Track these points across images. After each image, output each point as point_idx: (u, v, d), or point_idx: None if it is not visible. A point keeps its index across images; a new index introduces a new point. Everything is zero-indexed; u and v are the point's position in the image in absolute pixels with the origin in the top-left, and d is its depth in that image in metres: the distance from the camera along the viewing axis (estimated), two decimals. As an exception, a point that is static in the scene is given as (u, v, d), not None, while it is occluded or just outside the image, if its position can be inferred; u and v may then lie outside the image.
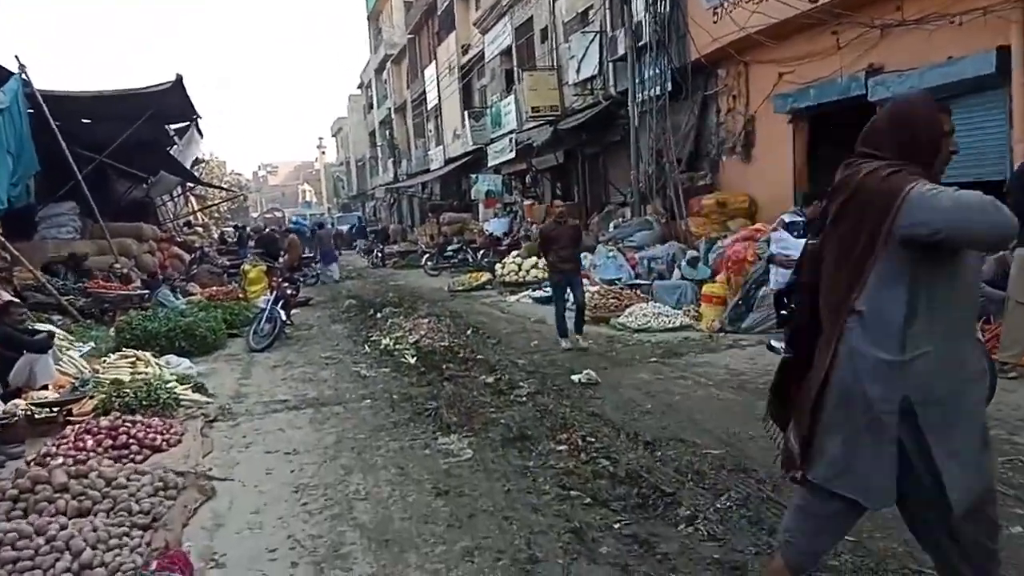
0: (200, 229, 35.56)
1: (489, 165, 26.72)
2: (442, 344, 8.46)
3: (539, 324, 10.09)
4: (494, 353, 8.03)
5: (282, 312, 9.41)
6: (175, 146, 22.48)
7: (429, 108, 34.99)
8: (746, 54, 13.32)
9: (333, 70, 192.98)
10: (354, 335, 10.10)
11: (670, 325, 8.62)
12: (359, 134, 56.34)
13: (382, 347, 8.75)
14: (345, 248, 37.31)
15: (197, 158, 35.01)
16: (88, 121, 17.67)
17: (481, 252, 20.50)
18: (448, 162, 31.94)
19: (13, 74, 13.75)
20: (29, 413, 5.68)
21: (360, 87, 54.86)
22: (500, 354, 7.97)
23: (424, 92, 35.07)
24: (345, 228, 42.11)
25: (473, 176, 27.83)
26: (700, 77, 14.64)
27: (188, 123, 21.21)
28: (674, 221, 14.03)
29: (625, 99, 16.97)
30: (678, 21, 14.47)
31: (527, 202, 24.53)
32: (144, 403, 5.87)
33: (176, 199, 31.61)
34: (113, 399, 5.90)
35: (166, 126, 19.39)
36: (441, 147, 33.36)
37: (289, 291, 9.83)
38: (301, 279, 10.80)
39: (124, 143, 16.94)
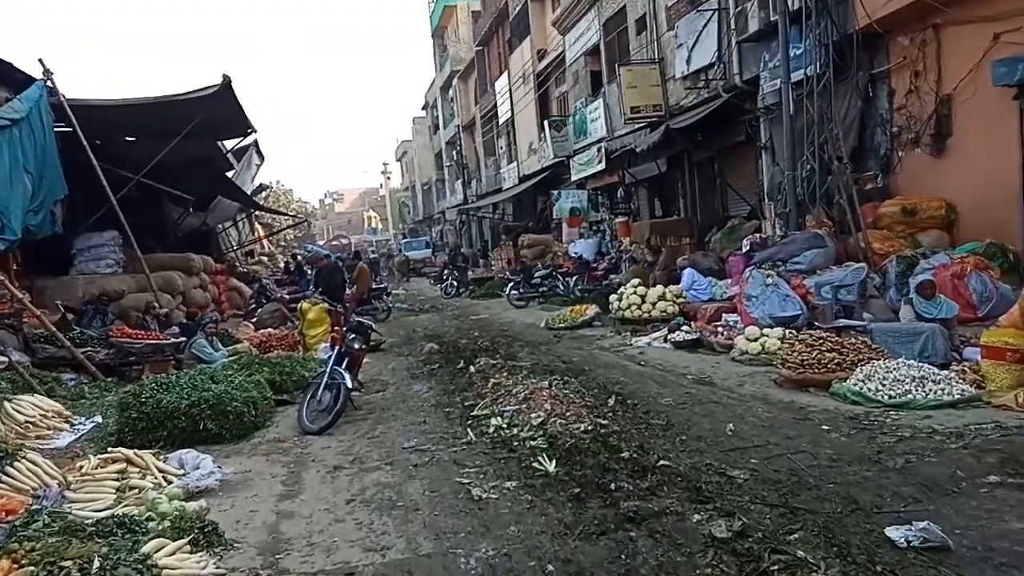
0: (265, 259, 33.86)
1: (573, 179, 23.92)
2: (583, 428, 5.55)
3: (705, 388, 7.07)
4: (677, 450, 5.06)
5: (347, 376, 6.67)
6: (233, 170, 20.52)
7: (501, 123, 32.57)
8: (936, 14, 10.14)
9: (397, 94, 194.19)
10: (445, 403, 7.29)
11: (945, 397, 5.47)
12: (424, 157, 54.65)
13: (492, 430, 5.90)
14: (414, 276, 35.21)
15: (261, 184, 33.61)
16: (132, 139, 15.70)
17: (574, 279, 17.56)
18: (523, 179, 29.36)
19: (35, 80, 11.72)
20: None
21: (425, 108, 53.23)
22: (687, 452, 5.00)
23: (495, 106, 32.67)
24: (418, 255, 40.02)
25: (554, 193, 25.04)
26: (862, 53, 11.47)
27: (244, 141, 19.15)
28: (844, 236, 10.84)
29: (753, 90, 13.94)
30: (835, -19, 11.36)
31: (619, 219, 21.58)
32: (95, 593, 3.13)
33: (241, 225, 29.90)
34: (41, 581, 3.18)
35: (219, 143, 17.24)
36: (514, 164, 30.83)
37: (356, 345, 7.09)
38: (371, 323, 8.08)
39: (174, 163, 14.85)
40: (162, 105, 13.04)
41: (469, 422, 6.28)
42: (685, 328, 9.68)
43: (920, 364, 5.90)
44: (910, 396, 5.54)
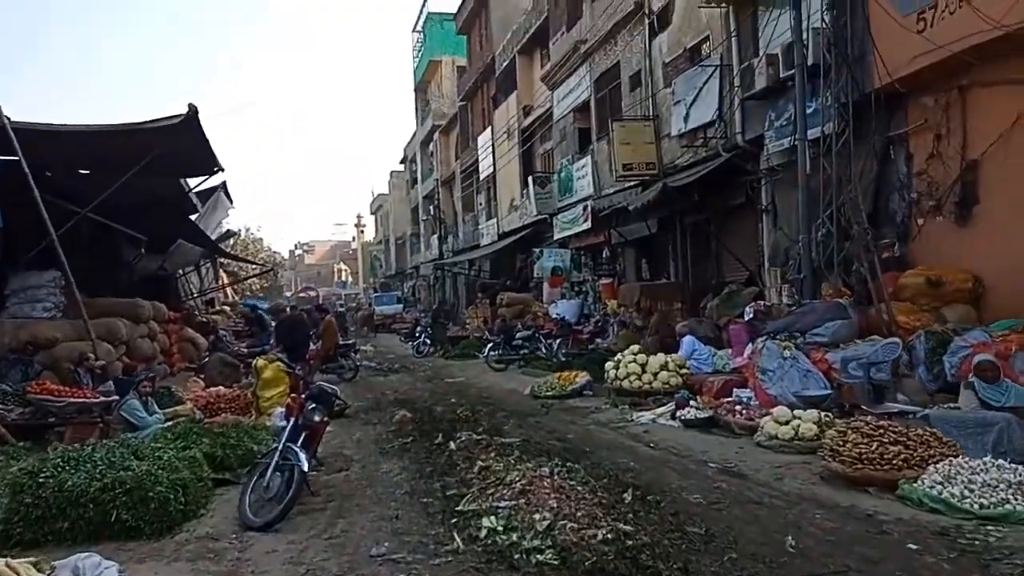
0: (227, 308, 32.17)
1: (555, 237, 23.09)
2: (602, 537, 4.35)
3: (737, 480, 5.92)
4: None
5: (303, 455, 5.40)
6: (197, 213, 19.27)
7: (481, 179, 31.91)
8: (964, 74, 9.50)
9: (375, 148, 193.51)
10: (422, 490, 6.02)
11: (1052, 510, 4.41)
12: (400, 211, 53.89)
13: (484, 534, 4.66)
14: (383, 331, 33.86)
15: (228, 230, 32.20)
16: (87, 172, 14.44)
17: (558, 342, 16.45)
18: (503, 236, 28.46)
19: (-26, 101, 10.56)
20: None
21: (403, 162, 52.67)
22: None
23: (476, 162, 32.05)
24: (389, 310, 38.87)
25: (536, 251, 24.15)
26: (880, 113, 10.82)
27: (211, 182, 17.96)
28: (862, 307, 9.94)
29: (755, 150, 13.26)
30: (851, 38, 10.79)
31: (603, 281, 20.67)
32: None
33: (204, 271, 28.39)
34: None
35: (183, 180, 16.03)
36: (494, 220, 30.00)
37: (317, 417, 5.84)
38: (335, 389, 6.78)
39: (132, 200, 13.60)
40: (119, 134, 11.83)
41: (454, 520, 5.02)
42: (694, 404, 8.57)
43: (1015, 467, 4.84)
44: (1009, 507, 4.46)
